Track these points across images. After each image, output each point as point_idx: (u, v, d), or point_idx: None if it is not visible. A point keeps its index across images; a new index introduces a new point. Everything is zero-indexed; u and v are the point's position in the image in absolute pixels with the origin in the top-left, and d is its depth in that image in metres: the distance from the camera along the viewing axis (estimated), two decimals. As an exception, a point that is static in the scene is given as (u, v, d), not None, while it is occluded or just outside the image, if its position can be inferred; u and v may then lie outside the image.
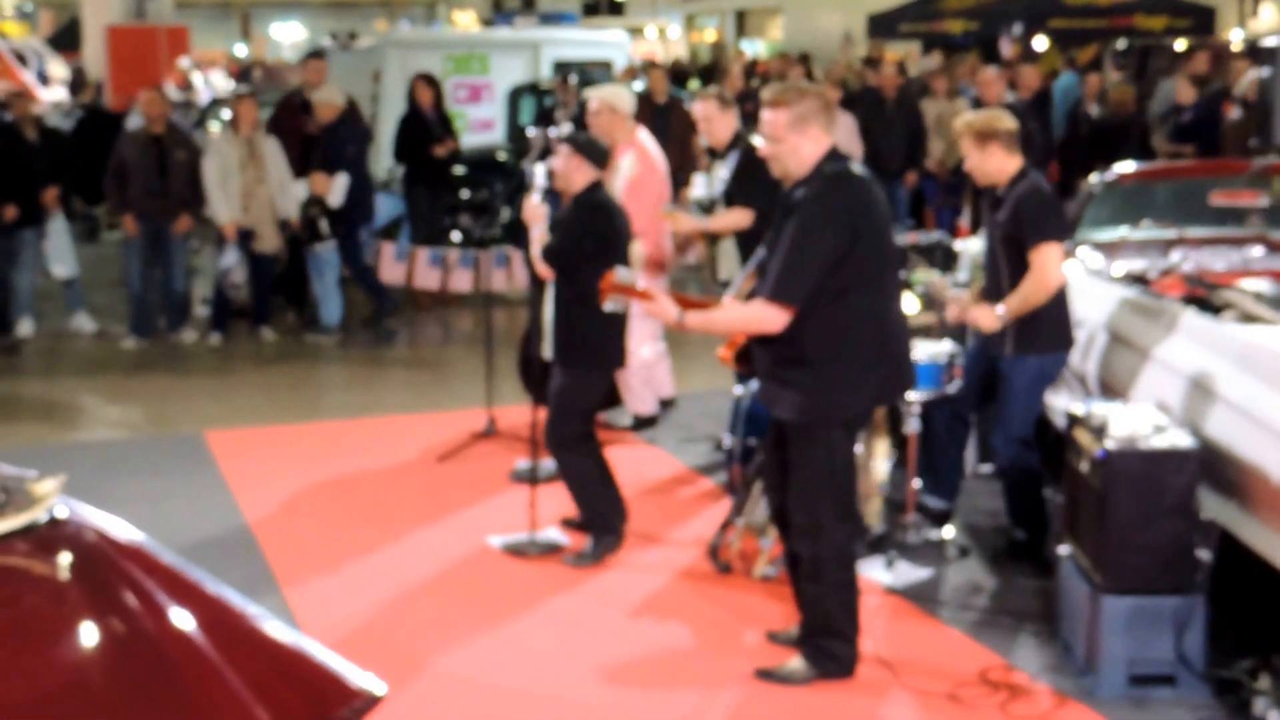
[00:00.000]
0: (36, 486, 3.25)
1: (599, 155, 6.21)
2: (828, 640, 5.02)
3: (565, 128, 8.22)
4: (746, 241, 7.34)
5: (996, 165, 5.99)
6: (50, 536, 3.12)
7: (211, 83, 27.60)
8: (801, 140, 4.84)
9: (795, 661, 5.07)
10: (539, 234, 6.26)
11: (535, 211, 6.30)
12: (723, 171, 7.48)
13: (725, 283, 7.56)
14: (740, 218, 7.33)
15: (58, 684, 2.72)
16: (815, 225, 4.71)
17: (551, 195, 6.44)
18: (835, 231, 4.71)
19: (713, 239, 7.76)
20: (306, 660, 2.71)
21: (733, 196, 7.36)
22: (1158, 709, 4.82)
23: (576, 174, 6.13)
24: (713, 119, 7.49)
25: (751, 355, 5.09)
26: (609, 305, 5.01)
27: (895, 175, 13.06)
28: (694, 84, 26.26)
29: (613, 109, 7.69)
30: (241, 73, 30.77)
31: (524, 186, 8.05)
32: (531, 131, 10.13)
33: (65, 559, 3.07)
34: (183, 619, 2.78)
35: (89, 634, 2.81)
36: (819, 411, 4.83)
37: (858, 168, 4.94)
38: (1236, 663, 4.89)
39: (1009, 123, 6.02)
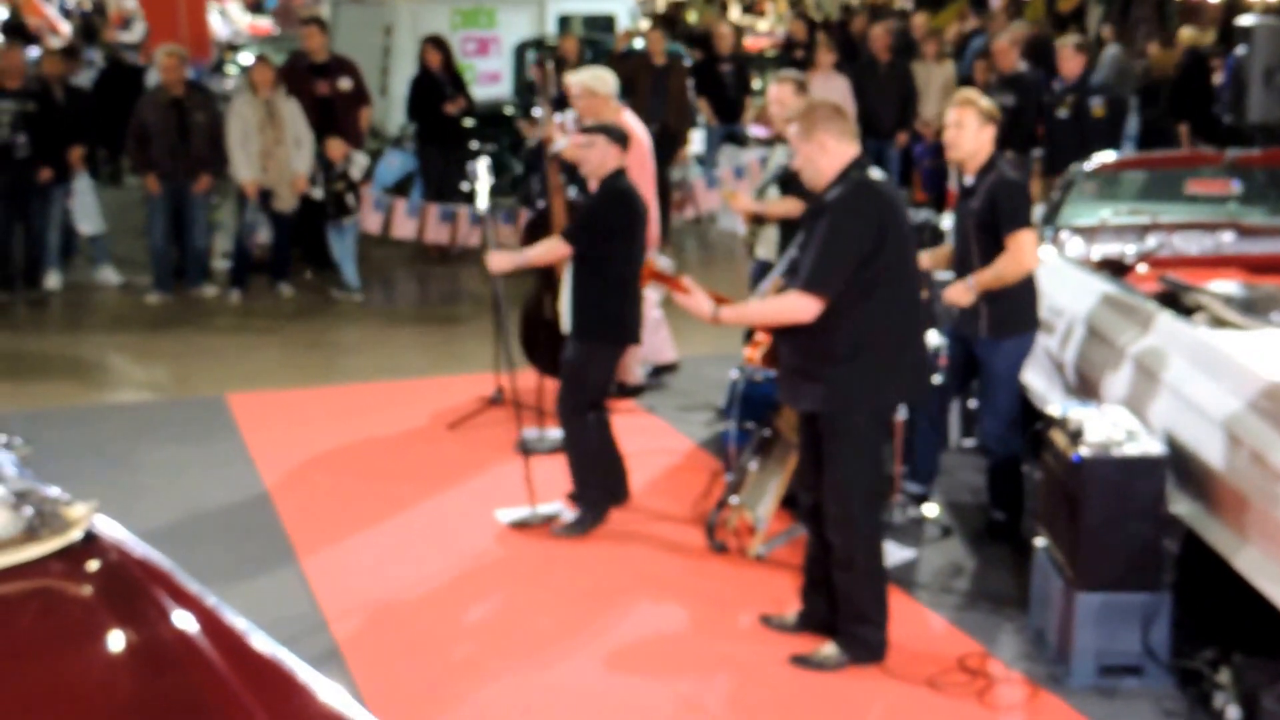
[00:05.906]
0: (70, 510, 3.54)
1: (624, 140, 6.60)
2: (860, 626, 5.30)
3: (570, 115, 8.41)
4: (789, 229, 7.51)
5: (986, 143, 6.23)
6: (83, 556, 3.43)
7: (229, 14, 27.62)
8: (811, 147, 5.22)
9: (828, 648, 5.34)
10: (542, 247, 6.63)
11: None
12: (781, 157, 7.54)
13: (761, 262, 7.77)
14: (793, 206, 7.38)
15: (88, 685, 3.09)
16: (847, 221, 5.06)
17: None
18: (865, 228, 5.04)
19: (758, 220, 7.90)
20: (286, 673, 3.12)
21: (789, 185, 7.43)
22: (1125, 698, 5.11)
23: (610, 159, 6.51)
24: (787, 103, 7.43)
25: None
26: (649, 290, 5.39)
27: (886, 136, 13.22)
28: (692, 15, 26.19)
29: (593, 92, 7.83)
30: (255, 4, 30.75)
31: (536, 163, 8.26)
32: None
33: (95, 579, 3.40)
34: (194, 632, 3.17)
35: (115, 644, 3.20)
36: (848, 401, 5.12)
37: (879, 174, 5.28)
38: (1199, 654, 5.16)
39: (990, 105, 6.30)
